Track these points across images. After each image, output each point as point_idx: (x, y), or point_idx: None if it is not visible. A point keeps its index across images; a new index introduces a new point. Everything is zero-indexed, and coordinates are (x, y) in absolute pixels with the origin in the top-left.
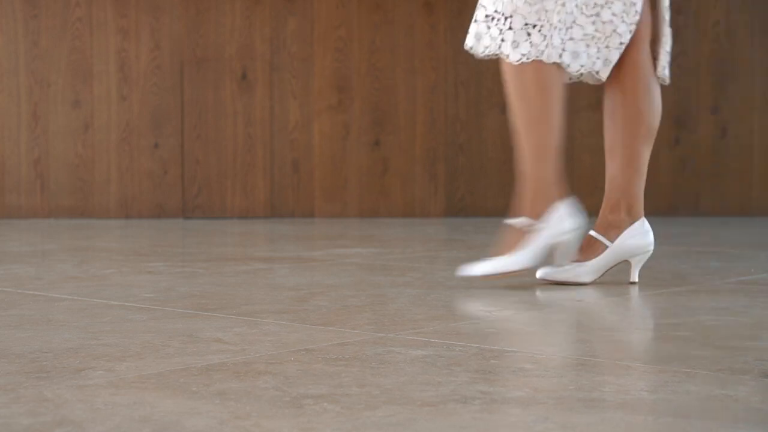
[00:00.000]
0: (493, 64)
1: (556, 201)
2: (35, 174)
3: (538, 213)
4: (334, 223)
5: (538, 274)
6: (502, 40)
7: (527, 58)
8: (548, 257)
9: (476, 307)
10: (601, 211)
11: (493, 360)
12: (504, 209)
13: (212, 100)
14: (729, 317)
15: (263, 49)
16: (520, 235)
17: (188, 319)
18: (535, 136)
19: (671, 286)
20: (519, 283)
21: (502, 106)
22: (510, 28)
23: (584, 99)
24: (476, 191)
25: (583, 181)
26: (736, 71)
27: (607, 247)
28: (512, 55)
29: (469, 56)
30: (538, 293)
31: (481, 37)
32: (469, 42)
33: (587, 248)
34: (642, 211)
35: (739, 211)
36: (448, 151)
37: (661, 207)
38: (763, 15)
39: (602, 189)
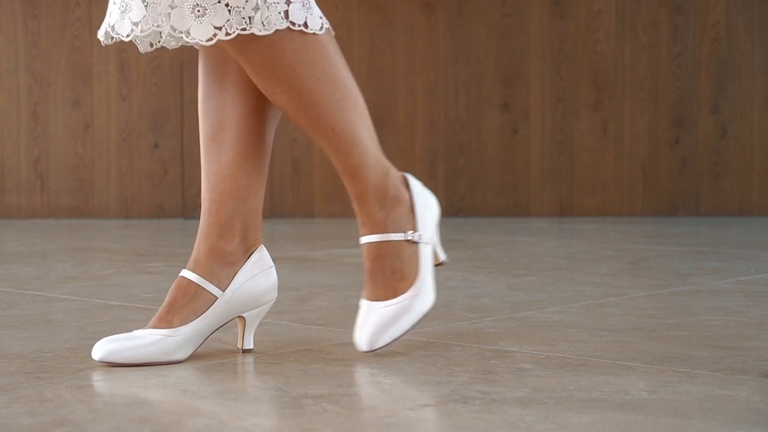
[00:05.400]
0: (494, 64)
1: None
2: (35, 174)
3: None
4: (334, 223)
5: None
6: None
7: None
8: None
9: (476, 306)
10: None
11: (493, 360)
12: (504, 209)
13: None
14: (729, 317)
15: None
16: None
17: None
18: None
19: (671, 286)
20: (517, 284)
21: (502, 106)
22: None
23: (584, 99)
24: (476, 191)
25: (583, 181)
26: (736, 71)
27: (216, 297)
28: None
29: (469, 56)
30: (538, 294)
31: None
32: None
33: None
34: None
35: (739, 211)
36: (448, 151)
37: (661, 207)
38: (763, 15)
39: (603, 189)
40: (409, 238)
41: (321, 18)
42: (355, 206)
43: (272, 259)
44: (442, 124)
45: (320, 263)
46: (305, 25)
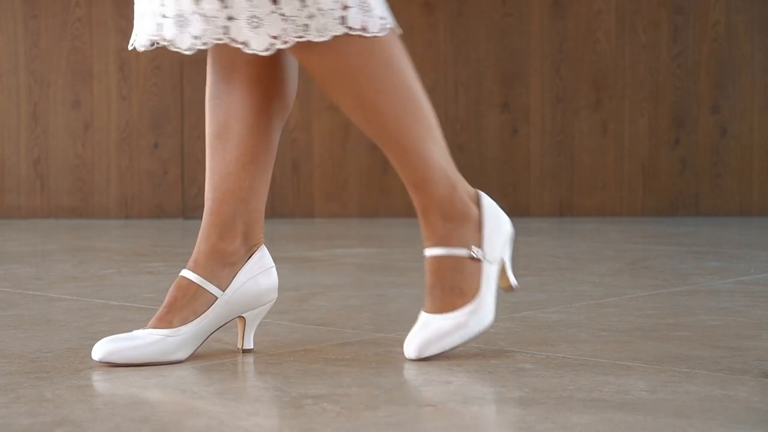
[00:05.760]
0: (494, 64)
1: None
2: (35, 174)
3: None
4: (334, 223)
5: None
6: None
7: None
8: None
9: None
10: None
11: (493, 360)
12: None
13: None
14: (729, 317)
15: None
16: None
17: None
18: None
19: (671, 286)
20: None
21: (502, 106)
22: None
23: (584, 99)
24: None
25: (583, 181)
26: (736, 71)
27: (216, 297)
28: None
29: (469, 56)
30: (538, 294)
31: None
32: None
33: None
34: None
35: (739, 211)
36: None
37: (661, 207)
38: (763, 15)
39: (603, 189)
40: (472, 254)
41: (382, 19)
42: (419, 218)
43: (273, 259)
44: (442, 124)
45: (320, 263)
46: (363, 29)
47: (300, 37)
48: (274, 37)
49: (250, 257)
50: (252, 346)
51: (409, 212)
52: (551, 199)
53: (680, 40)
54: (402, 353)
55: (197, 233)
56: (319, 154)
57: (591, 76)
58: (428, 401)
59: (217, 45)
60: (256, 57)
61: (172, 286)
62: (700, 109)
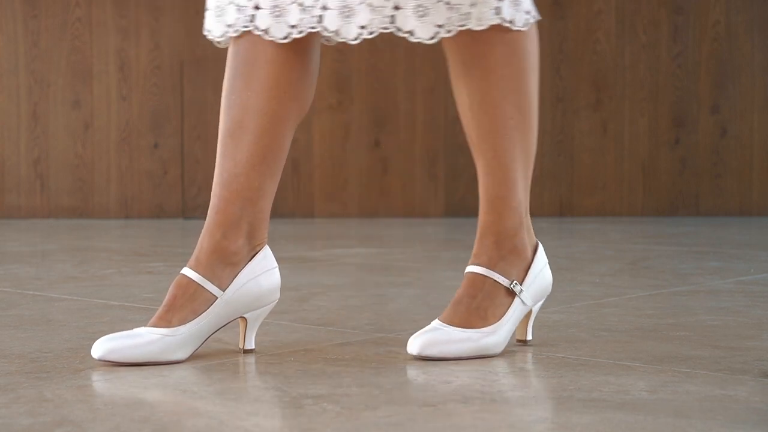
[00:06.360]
0: None
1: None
2: (35, 174)
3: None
4: (334, 223)
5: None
6: None
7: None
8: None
9: None
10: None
11: (493, 360)
12: None
13: (212, 100)
14: (729, 317)
15: None
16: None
17: None
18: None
19: (671, 286)
20: None
21: None
22: None
23: (584, 99)
24: (476, 191)
25: (583, 181)
26: (736, 71)
27: (216, 297)
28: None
29: None
30: None
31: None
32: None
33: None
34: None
35: (739, 211)
36: (447, 151)
37: (661, 207)
38: (763, 15)
39: (603, 189)
40: (511, 286)
41: (527, 13)
42: (477, 235)
43: (275, 259)
44: (442, 124)
45: (320, 263)
46: (512, 22)
47: (462, 25)
48: (439, 26)
49: (252, 257)
50: (253, 347)
51: (408, 212)
52: (551, 199)
53: (680, 40)
54: (402, 353)
55: (197, 233)
56: (319, 154)
57: (591, 76)
58: (428, 401)
59: (242, 40)
60: (278, 57)
61: (172, 285)
62: (700, 109)
